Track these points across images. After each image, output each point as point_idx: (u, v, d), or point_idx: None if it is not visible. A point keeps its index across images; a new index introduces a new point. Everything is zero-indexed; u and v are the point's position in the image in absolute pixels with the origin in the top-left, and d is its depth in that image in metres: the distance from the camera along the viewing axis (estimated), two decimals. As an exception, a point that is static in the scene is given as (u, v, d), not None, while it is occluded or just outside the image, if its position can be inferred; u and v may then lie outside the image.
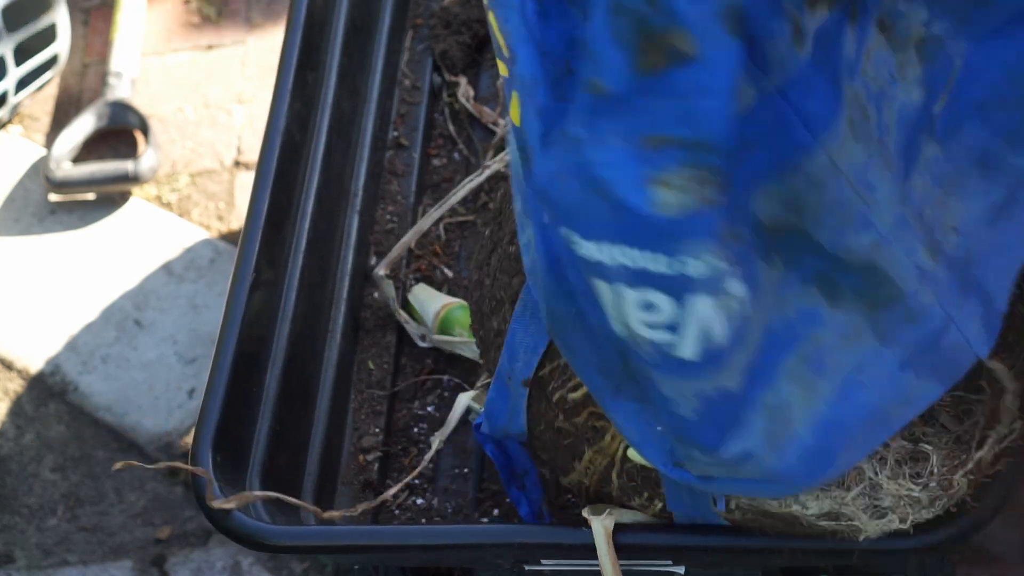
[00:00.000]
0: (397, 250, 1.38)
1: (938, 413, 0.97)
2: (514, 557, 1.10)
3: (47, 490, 1.81)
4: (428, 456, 1.24)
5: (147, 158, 2.02)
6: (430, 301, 1.38)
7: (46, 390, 1.89)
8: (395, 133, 1.52)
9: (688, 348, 0.81)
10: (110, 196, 2.05)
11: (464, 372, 1.35)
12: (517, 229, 0.93)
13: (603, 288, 0.81)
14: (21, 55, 2.03)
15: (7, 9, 1.98)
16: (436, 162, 1.52)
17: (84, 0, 2.28)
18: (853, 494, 0.94)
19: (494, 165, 1.38)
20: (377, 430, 1.31)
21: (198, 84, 2.16)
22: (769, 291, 0.83)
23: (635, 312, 0.81)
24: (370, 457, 1.29)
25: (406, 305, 1.39)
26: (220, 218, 2.01)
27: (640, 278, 0.79)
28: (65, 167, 2.04)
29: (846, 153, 0.81)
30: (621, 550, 1.01)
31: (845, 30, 0.79)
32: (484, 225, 1.42)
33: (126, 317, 1.93)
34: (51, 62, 2.10)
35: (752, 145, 0.78)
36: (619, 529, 1.01)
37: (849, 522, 0.95)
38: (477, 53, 1.58)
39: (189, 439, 1.80)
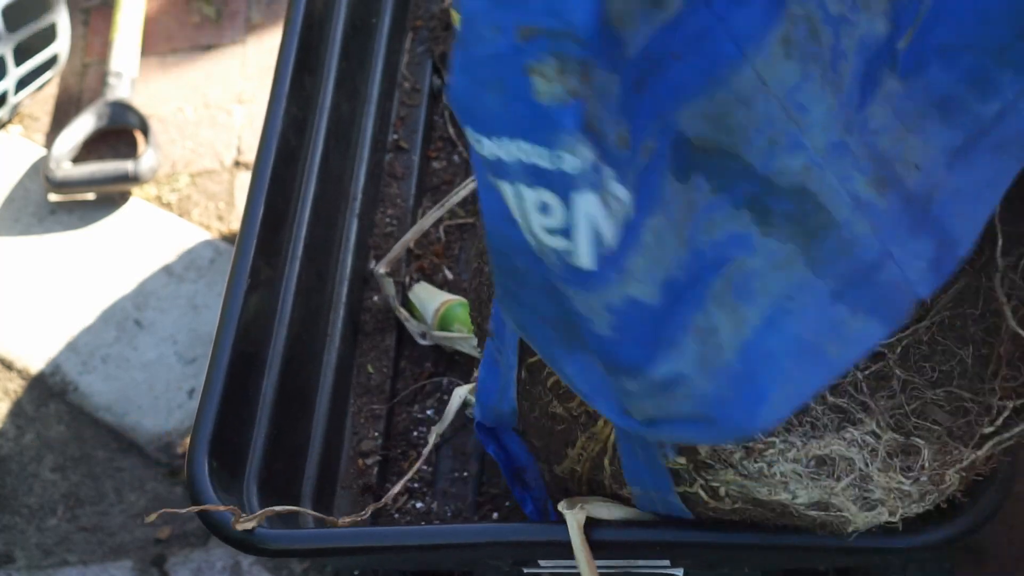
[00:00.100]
0: (397, 249, 1.38)
1: (931, 408, 0.96)
2: (510, 557, 1.10)
3: (47, 490, 1.81)
4: (426, 451, 1.24)
5: (147, 158, 2.02)
6: (430, 298, 1.38)
7: (46, 390, 1.89)
8: (395, 136, 1.52)
9: (583, 254, 0.81)
10: (110, 196, 2.04)
11: (464, 375, 1.35)
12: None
13: (507, 190, 0.81)
14: (21, 55, 2.03)
15: (7, 9, 1.98)
16: (436, 165, 1.52)
17: (84, 0, 2.28)
18: (843, 484, 0.94)
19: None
20: (376, 434, 1.31)
21: (198, 84, 2.16)
22: (682, 208, 0.83)
23: (536, 216, 0.81)
24: (369, 461, 1.29)
25: (406, 303, 1.39)
26: (220, 218, 2.01)
27: (533, 175, 0.79)
28: (65, 167, 2.04)
29: (777, 71, 0.81)
30: (602, 547, 1.01)
31: None
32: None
33: (126, 317, 1.93)
34: (51, 62, 2.09)
35: (676, 56, 0.78)
36: (597, 525, 1.02)
37: (838, 513, 0.95)
38: (477, 55, 1.58)
39: (189, 439, 1.80)
